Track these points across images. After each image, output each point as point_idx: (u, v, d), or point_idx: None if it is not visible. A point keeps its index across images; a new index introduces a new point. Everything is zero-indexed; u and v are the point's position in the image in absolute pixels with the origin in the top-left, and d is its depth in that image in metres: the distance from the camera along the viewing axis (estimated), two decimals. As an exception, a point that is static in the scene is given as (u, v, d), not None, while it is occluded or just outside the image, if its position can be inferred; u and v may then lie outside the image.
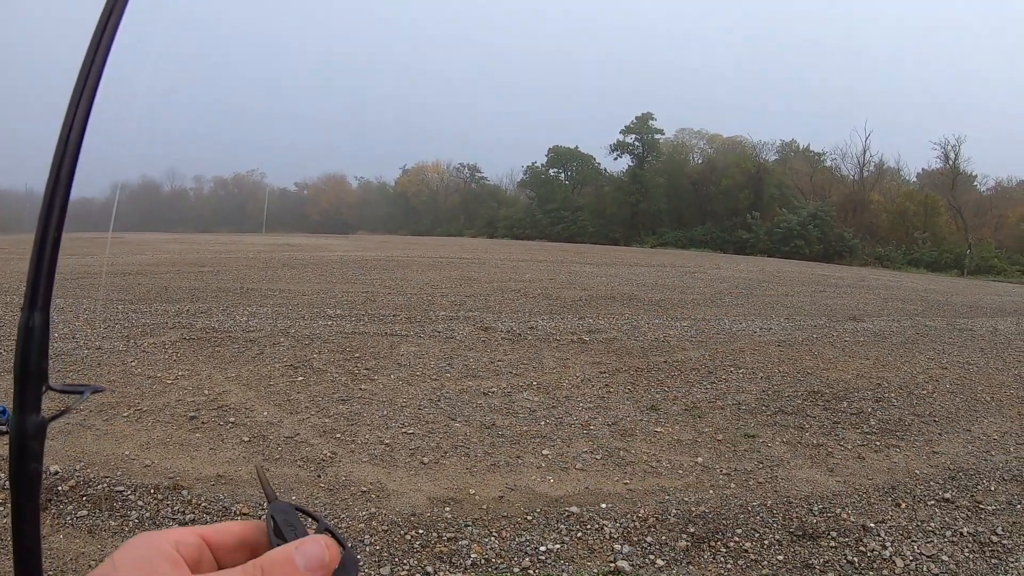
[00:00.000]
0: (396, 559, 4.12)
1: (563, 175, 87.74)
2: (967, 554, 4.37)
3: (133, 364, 8.47)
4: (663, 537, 4.50)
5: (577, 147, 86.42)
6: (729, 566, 4.17)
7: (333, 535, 0.61)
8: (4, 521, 4.24)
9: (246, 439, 6.02)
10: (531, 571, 4.08)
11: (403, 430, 6.39)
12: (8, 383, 7.44)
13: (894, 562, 4.22)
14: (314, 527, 0.66)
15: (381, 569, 4.05)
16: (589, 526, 4.62)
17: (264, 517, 0.63)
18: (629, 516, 4.77)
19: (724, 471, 5.66)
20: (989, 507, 5.10)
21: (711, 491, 5.26)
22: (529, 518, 4.71)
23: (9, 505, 0.62)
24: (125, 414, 6.56)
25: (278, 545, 0.60)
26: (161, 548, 0.57)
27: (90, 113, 0.68)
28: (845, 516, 4.85)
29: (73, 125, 0.68)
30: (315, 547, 0.59)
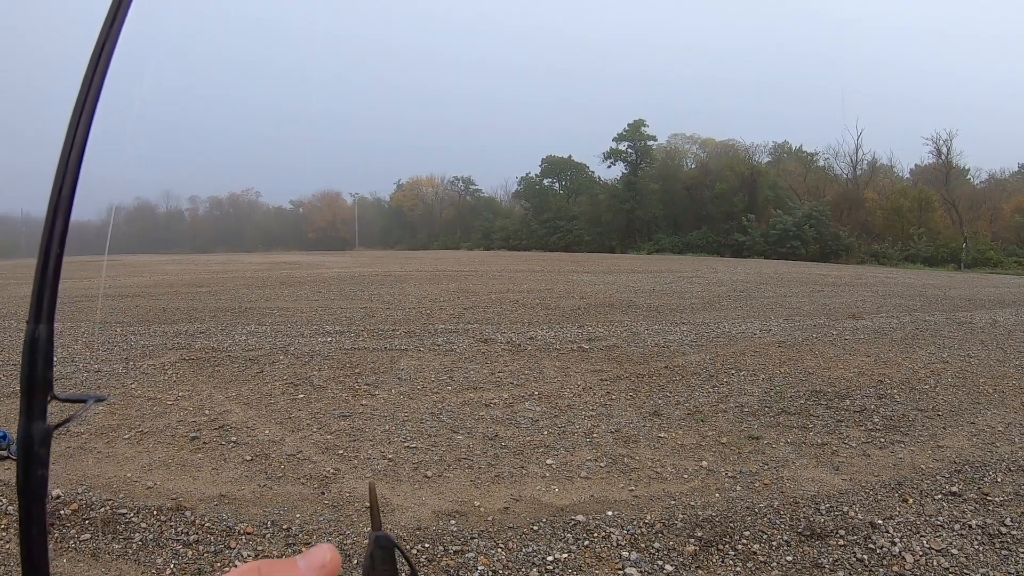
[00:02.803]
0: (403, 574, 4.10)
1: (557, 185, 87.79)
2: (976, 546, 4.35)
3: (133, 386, 8.45)
4: (671, 542, 4.48)
5: (571, 156, 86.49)
6: (738, 569, 4.15)
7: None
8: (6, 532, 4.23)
9: (248, 458, 6.00)
10: (539, 581, 4.07)
11: (406, 444, 6.37)
12: (7, 408, 7.43)
13: (904, 558, 4.20)
14: (406, 570, 0.79)
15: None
16: (596, 534, 4.60)
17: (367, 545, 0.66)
18: (636, 523, 4.75)
19: (729, 474, 5.64)
20: (997, 498, 5.09)
21: (717, 494, 5.24)
22: (535, 528, 4.69)
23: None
24: (126, 436, 6.54)
25: None
26: None
27: (91, 129, 0.69)
28: (853, 514, 4.83)
29: (74, 143, 0.69)
30: (318, 551, 0.60)
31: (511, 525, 4.74)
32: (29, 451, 0.63)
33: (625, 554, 4.32)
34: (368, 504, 0.75)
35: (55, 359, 0.69)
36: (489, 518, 4.87)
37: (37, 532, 0.64)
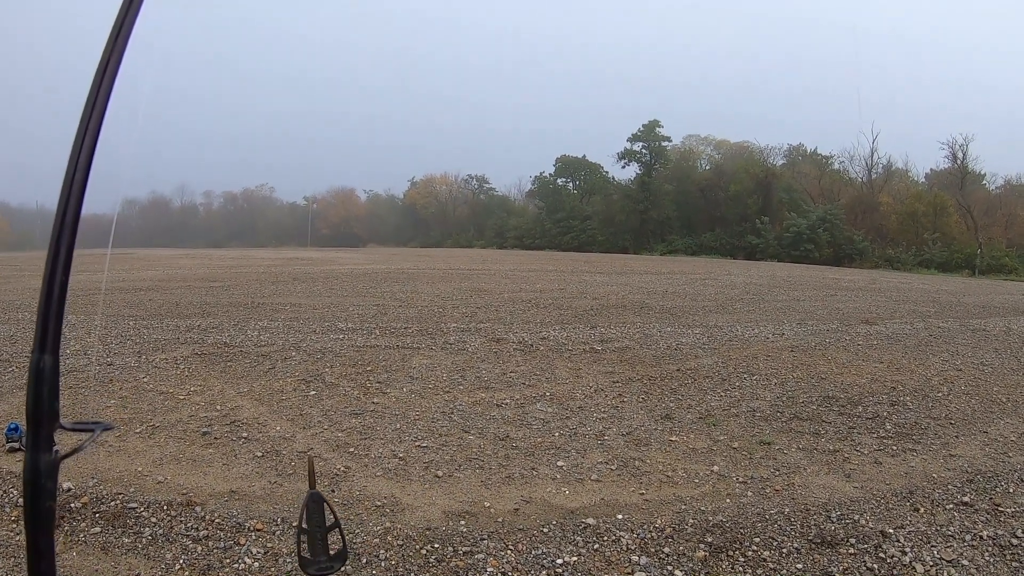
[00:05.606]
0: (412, 574, 4.10)
1: (571, 184, 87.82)
2: (987, 558, 4.31)
3: (145, 380, 8.49)
4: (681, 547, 4.46)
5: (585, 156, 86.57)
6: (748, 575, 4.13)
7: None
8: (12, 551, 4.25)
9: (259, 454, 6.02)
10: (548, 584, 4.06)
11: (417, 443, 6.37)
12: (20, 399, 7.47)
13: (914, 568, 4.17)
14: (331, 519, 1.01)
15: (397, 584, 4.03)
16: (606, 538, 4.59)
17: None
18: (646, 527, 4.73)
19: (740, 479, 5.62)
20: (1008, 509, 5.04)
21: (728, 500, 5.22)
22: (545, 530, 4.68)
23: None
24: (138, 430, 6.57)
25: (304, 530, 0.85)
26: None
27: (92, 162, 0.69)
28: (863, 522, 4.80)
29: (74, 181, 0.68)
30: None
31: (521, 527, 4.74)
32: (36, 483, 0.61)
33: (635, 558, 4.31)
34: (307, 471, 0.92)
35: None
36: (499, 519, 4.86)
37: (46, 566, 0.63)
